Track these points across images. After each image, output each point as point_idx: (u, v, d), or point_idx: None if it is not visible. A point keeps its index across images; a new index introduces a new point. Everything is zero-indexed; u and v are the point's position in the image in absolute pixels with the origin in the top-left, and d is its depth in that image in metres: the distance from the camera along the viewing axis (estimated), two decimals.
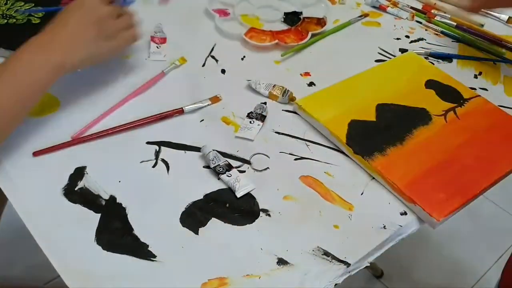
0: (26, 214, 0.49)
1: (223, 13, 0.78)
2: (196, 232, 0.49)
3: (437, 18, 0.83)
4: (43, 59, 0.53)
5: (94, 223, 0.49)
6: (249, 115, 0.61)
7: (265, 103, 0.63)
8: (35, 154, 0.54)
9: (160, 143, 0.57)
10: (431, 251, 1.34)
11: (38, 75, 0.53)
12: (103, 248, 0.47)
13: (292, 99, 0.62)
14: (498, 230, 1.41)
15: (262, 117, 0.61)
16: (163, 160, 0.55)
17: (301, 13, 0.79)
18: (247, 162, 0.56)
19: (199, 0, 0.80)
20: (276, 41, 0.72)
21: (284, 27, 0.77)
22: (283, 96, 0.63)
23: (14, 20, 0.68)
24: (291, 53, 0.72)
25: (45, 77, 0.53)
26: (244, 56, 0.72)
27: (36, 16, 0.69)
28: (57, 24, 0.56)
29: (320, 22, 0.78)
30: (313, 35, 0.75)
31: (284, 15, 0.79)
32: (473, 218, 1.39)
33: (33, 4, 0.70)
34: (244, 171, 0.55)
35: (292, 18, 0.79)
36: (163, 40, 0.72)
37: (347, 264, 0.48)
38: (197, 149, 0.57)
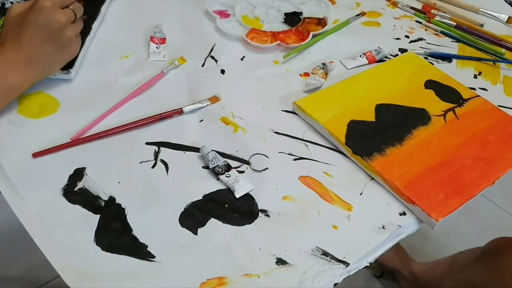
0: (25, 216, 0.49)
1: (223, 14, 0.78)
2: (195, 233, 0.49)
3: (437, 18, 0.84)
4: (1, 82, 0.52)
5: (94, 224, 0.49)
6: (313, 71, 0.68)
7: (325, 63, 0.69)
8: (35, 155, 0.54)
9: (160, 144, 0.57)
10: (431, 251, 1.34)
11: None
12: (102, 249, 0.47)
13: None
14: (498, 230, 1.41)
15: (325, 75, 0.67)
16: (162, 161, 0.56)
17: (301, 13, 0.80)
18: (246, 162, 0.56)
19: (199, 0, 0.80)
20: (278, 42, 0.72)
21: (285, 27, 0.77)
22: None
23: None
24: (294, 54, 0.72)
25: (2, 97, 0.53)
26: (244, 56, 0.72)
27: None
28: (10, 44, 0.53)
29: (321, 22, 0.78)
30: (314, 36, 0.75)
31: (284, 15, 0.79)
32: (473, 218, 1.39)
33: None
34: (243, 172, 0.55)
35: (292, 18, 0.79)
36: (163, 41, 0.72)
37: (346, 264, 0.48)
38: (196, 149, 0.57)
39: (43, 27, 0.53)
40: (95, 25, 0.71)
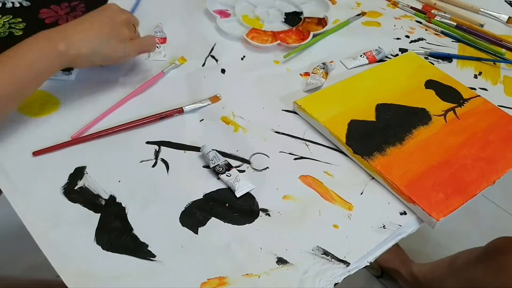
0: (25, 214, 0.49)
1: (224, 14, 0.78)
2: (196, 232, 0.49)
3: (437, 18, 0.84)
4: (46, 46, 0.53)
5: (94, 223, 0.49)
6: (314, 70, 0.68)
7: (325, 63, 0.69)
8: (35, 153, 0.54)
9: (160, 143, 0.57)
10: (431, 251, 1.34)
11: (38, 60, 0.53)
12: (103, 248, 0.47)
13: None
14: (498, 231, 1.41)
15: (325, 74, 0.67)
16: (162, 160, 0.56)
17: (301, 13, 0.80)
18: (247, 161, 0.56)
19: (199, 0, 0.80)
20: (278, 41, 0.72)
21: (285, 27, 0.77)
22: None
23: None
24: (294, 53, 0.72)
25: (46, 63, 0.53)
26: (244, 56, 0.72)
27: (17, 28, 0.68)
28: (74, 20, 0.57)
29: (321, 22, 0.78)
30: (314, 35, 0.75)
31: (284, 15, 0.79)
32: (473, 218, 1.39)
33: (11, 16, 0.70)
34: (244, 171, 0.55)
35: (293, 18, 0.79)
36: (163, 40, 0.72)
37: (347, 264, 0.48)
38: (197, 148, 0.57)
39: (107, 14, 0.59)
40: None
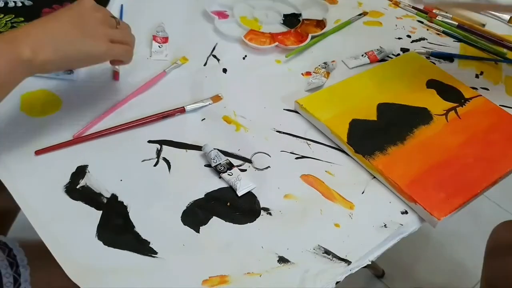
0: (29, 211, 0.49)
1: (222, 15, 0.78)
2: (197, 231, 0.49)
3: (439, 17, 0.84)
4: (8, 50, 0.46)
5: (96, 220, 0.49)
6: (316, 70, 0.68)
7: (327, 62, 0.69)
8: (37, 152, 0.54)
9: (162, 142, 0.58)
10: (433, 251, 1.34)
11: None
12: (104, 244, 0.47)
13: None
14: None
15: (327, 74, 0.67)
16: (164, 159, 0.56)
17: (300, 15, 0.79)
18: (248, 160, 0.56)
19: (200, 0, 0.80)
20: (276, 43, 0.72)
21: (284, 29, 0.77)
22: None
23: None
24: (295, 53, 0.72)
25: (7, 71, 0.46)
26: (246, 56, 0.72)
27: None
28: (40, 20, 0.50)
29: (320, 24, 0.78)
30: (312, 37, 0.75)
31: (283, 17, 0.79)
32: (475, 218, 1.39)
33: (13, 16, 0.69)
34: (245, 170, 0.55)
35: (291, 20, 0.79)
36: (165, 40, 0.72)
37: (348, 263, 0.48)
38: (199, 148, 0.57)
39: (78, 13, 0.52)
40: None
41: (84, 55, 0.52)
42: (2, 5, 0.71)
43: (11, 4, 0.72)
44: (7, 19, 0.69)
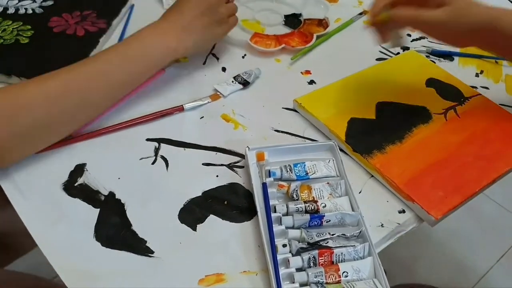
0: (25, 213, 0.49)
1: None
2: (194, 229, 0.49)
3: None
4: (161, 42, 0.59)
5: (93, 218, 0.49)
6: (235, 77, 0.66)
7: (258, 68, 0.68)
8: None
9: (160, 140, 0.58)
10: (433, 250, 1.34)
11: (154, 54, 0.59)
12: (102, 245, 0.47)
13: None
14: (500, 229, 1.41)
15: (245, 82, 0.65)
16: (162, 157, 0.56)
17: (300, 15, 0.79)
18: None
19: None
20: (283, 45, 0.72)
21: (286, 29, 0.77)
22: None
23: (2, 41, 0.66)
24: (301, 55, 0.72)
25: (160, 57, 0.59)
26: (245, 54, 0.72)
27: (25, 36, 0.67)
28: (173, 12, 0.61)
29: (322, 23, 0.78)
30: (318, 37, 0.75)
31: (284, 17, 0.79)
32: (475, 217, 1.39)
33: (21, 23, 0.69)
34: (243, 167, 0.55)
35: (292, 20, 0.79)
36: None
37: None
38: (197, 146, 0.57)
39: (200, 1, 0.62)
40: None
41: (214, 37, 0.66)
42: (13, 11, 0.71)
43: (22, 11, 0.71)
44: (14, 26, 0.68)
